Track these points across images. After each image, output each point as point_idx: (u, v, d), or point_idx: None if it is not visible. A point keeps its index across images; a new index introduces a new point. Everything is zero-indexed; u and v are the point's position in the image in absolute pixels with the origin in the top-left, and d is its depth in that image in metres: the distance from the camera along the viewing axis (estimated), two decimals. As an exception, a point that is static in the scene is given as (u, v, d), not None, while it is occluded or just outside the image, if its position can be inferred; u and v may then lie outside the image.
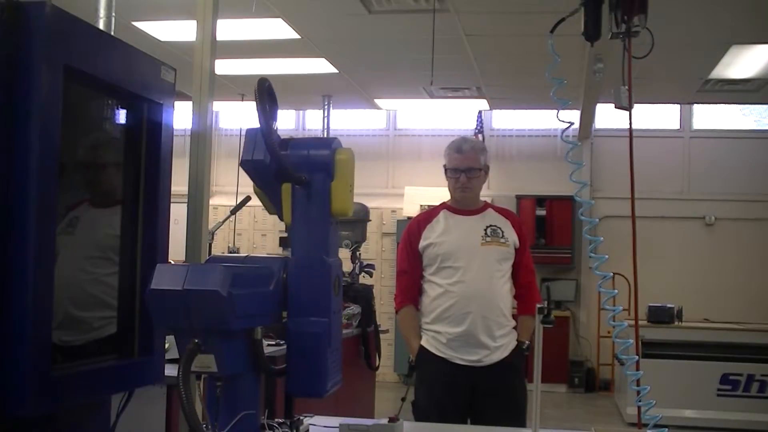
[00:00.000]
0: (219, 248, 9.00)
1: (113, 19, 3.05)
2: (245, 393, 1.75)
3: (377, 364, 5.38)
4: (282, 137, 1.90)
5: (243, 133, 1.94)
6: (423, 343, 3.45)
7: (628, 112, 2.31)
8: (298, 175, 1.81)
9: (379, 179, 10.17)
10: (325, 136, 8.91)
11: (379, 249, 9.85)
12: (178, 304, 1.60)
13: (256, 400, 1.78)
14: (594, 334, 9.57)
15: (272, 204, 1.94)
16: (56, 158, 1.71)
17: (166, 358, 2.24)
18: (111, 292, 2.18)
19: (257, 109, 1.76)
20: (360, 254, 5.88)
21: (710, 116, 10.09)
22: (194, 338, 1.62)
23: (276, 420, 1.93)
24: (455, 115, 10.31)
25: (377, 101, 9.29)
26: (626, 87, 2.28)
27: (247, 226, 10.12)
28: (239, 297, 1.62)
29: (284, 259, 1.85)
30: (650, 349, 7.10)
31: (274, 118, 1.84)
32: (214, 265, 1.71)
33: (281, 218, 1.91)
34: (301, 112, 10.82)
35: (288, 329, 1.82)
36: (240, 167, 1.89)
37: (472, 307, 3.33)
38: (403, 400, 3.60)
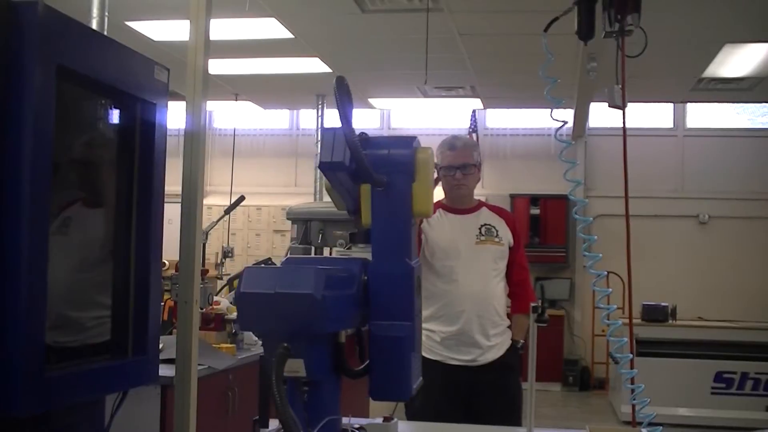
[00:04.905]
0: (213, 248, 8.96)
1: (106, 19, 3.05)
2: (329, 397, 1.72)
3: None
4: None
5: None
6: (416, 345, 3.45)
7: (621, 111, 2.32)
8: (379, 178, 1.76)
9: (373, 178, 10.15)
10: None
11: (373, 248, 9.83)
12: (269, 307, 1.57)
13: (338, 405, 1.76)
14: (588, 332, 9.58)
15: (345, 203, 1.91)
16: (49, 159, 1.70)
17: (161, 358, 2.23)
18: (105, 293, 2.18)
19: (338, 109, 1.68)
20: (355, 253, 5.88)
21: (704, 115, 10.11)
22: (282, 342, 1.57)
23: (357, 424, 1.92)
24: (449, 114, 10.32)
25: (371, 100, 9.28)
26: (620, 86, 2.29)
27: (241, 226, 10.10)
28: (331, 300, 1.59)
29: (363, 261, 1.82)
30: (644, 348, 7.12)
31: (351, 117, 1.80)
32: (306, 268, 1.67)
33: (351, 214, 1.88)
34: (294, 111, 10.81)
35: (371, 333, 1.79)
36: (317, 168, 1.82)
37: (466, 305, 3.34)
38: (398, 399, 3.59)
